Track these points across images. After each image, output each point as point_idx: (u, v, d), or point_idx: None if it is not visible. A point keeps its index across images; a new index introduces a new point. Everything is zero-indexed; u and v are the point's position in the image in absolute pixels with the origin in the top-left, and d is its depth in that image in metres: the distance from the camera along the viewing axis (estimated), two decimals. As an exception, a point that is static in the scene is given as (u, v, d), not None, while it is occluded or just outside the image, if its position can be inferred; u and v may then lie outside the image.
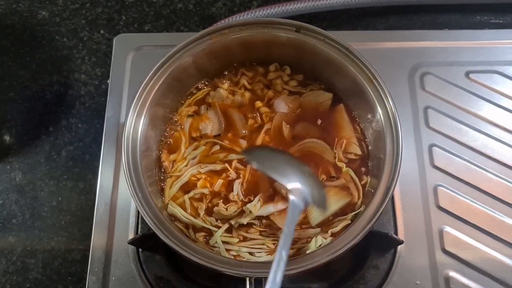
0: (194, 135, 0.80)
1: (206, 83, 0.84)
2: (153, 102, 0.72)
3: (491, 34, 0.96)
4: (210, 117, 0.81)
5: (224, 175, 0.77)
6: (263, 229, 0.73)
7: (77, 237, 0.87)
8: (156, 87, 0.72)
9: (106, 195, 0.84)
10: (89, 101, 0.98)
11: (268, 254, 0.71)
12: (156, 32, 1.04)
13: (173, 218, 0.73)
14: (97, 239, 0.81)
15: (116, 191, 0.84)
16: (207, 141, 0.79)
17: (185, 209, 0.74)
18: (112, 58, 0.95)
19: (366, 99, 0.72)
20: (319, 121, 0.80)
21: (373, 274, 0.78)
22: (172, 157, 0.78)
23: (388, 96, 0.69)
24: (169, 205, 0.74)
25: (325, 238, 0.70)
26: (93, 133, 0.95)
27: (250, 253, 0.71)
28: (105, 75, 1.00)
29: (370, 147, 0.77)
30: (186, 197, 0.75)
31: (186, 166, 0.77)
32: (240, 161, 0.77)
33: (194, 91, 0.83)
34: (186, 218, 0.73)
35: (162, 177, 0.77)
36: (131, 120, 0.70)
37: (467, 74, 0.92)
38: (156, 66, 0.72)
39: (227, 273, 0.61)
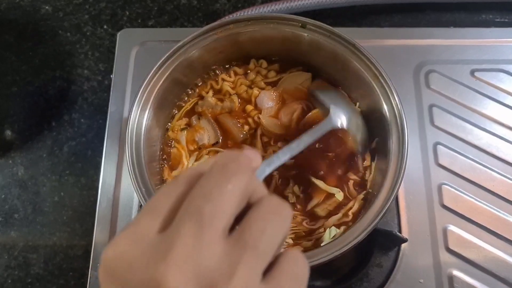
0: (191, 147, 0.79)
1: (190, 92, 0.83)
2: (157, 96, 0.71)
3: (497, 33, 0.96)
4: (204, 126, 0.79)
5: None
6: None
7: (79, 233, 0.87)
8: (161, 81, 0.71)
9: (109, 191, 0.83)
10: (91, 97, 0.98)
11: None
12: (160, 27, 1.04)
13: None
14: (99, 235, 0.80)
15: (118, 186, 0.83)
16: (209, 150, 0.78)
17: None
18: (116, 52, 0.94)
19: (371, 96, 0.72)
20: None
21: (377, 272, 0.78)
22: (175, 173, 0.77)
23: (394, 93, 0.69)
24: None
25: (338, 229, 0.70)
26: (95, 128, 0.95)
27: None
28: (108, 70, 0.99)
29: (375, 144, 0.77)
30: None
31: None
32: None
33: (182, 104, 0.82)
34: None
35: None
36: (135, 113, 0.69)
37: (472, 72, 0.92)
38: (161, 60, 0.71)
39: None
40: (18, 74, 1.00)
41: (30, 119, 0.96)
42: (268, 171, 0.50)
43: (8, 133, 0.95)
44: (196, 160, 0.77)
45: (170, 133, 0.79)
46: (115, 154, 0.86)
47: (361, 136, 0.71)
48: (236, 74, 0.83)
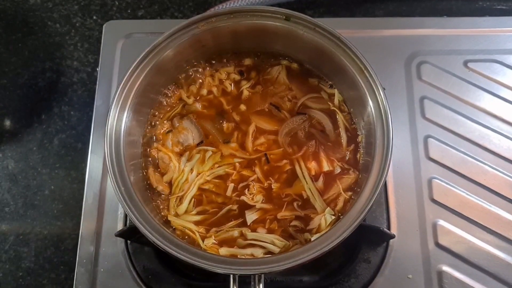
0: (177, 149, 0.77)
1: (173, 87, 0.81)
2: (137, 94, 0.70)
3: (491, 22, 0.93)
4: (186, 126, 0.78)
5: (230, 179, 0.75)
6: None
7: (70, 226, 0.87)
8: (141, 78, 0.70)
9: (95, 186, 0.83)
10: (81, 89, 0.97)
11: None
12: (150, 18, 1.02)
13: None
14: (85, 230, 0.81)
15: (105, 181, 0.83)
16: (199, 149, 0.77)
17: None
18: (102, 45, 0.93)
19: (357, 91, 0.70)
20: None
21: (364, 267, 0.77)
22: (166, 177, 0.75)
23: (379, 87, 0.67)
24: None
25: (333, 216, 0.70)
26: (85, 121, 0.94)
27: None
28: (98, 62, 0.97)
29: (362, 139, 0.76)
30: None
31: (186, 181, 0.75)
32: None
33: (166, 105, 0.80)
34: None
35: (158, 200, 0.75)
36: (114, 113, 0.68)
37: (465, 63, 0.90)
38: (140, 57, 0.70)
39: (211, 270, 0.59)
40: (7, 65, 0.99)
41: (20, 111, 0.96)
42: None
43: (-2, 126, 0.95)
44: (188, 161, 0.76)
45: (156, 144, 0.78)
46: (101, 149, 0.84)
47: None
48: (219, 79, 0.82)
